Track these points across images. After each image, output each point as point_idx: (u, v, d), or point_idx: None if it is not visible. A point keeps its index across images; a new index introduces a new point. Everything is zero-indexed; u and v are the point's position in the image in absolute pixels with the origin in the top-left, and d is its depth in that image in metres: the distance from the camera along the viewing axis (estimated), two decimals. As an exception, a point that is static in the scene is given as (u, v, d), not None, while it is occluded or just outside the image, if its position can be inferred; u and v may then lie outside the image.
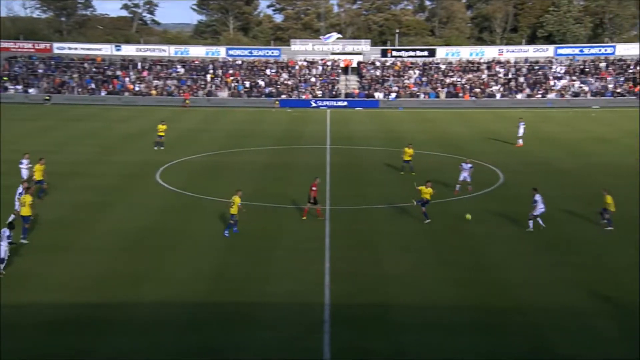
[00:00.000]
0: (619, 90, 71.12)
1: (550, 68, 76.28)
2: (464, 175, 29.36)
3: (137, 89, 73.36)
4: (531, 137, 43.78)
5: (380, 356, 14.65)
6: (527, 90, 72.79)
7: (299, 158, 38.83)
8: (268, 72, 77.38)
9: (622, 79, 73.22)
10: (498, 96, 72.34)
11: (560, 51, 79.51)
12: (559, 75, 75.04)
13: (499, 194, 29.45)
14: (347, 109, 67.84)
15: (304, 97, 72.11)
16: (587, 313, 16.64)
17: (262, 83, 74.95)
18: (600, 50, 79.71)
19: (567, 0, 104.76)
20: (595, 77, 73.85)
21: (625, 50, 78.56)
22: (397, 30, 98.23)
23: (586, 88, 72.09)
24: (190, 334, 15.47)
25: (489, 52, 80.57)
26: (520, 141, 42.45)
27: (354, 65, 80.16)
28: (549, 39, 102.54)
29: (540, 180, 30.56)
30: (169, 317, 16.40)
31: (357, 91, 74.14)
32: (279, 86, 74.14)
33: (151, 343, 15.09)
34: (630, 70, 74.44)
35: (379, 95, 72.58)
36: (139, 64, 78.12)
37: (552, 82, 73.68)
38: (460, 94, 72.54)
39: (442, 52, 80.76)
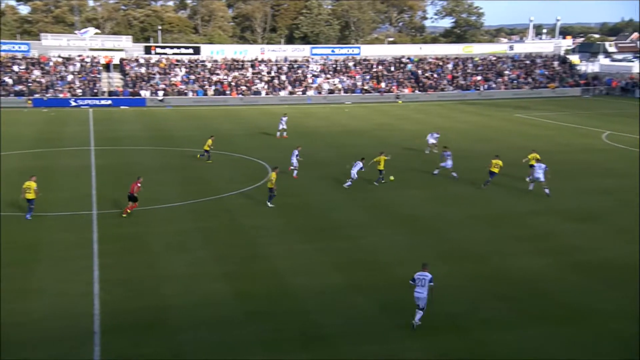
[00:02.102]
0: (366, 88, 78.73)
1: (308, 67, 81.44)
2: (293, 160, 32.34)
3: None
4: (294, 131, 46.41)
5: None
6: (289, 88, 76.79)
7: (59, 161, 36.02)
8: (16, 68, 70.03)
9: (368, 77, 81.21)
10: (263, 93, 75.12)
11: (315, 51, 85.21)
12: (316, 73, 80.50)
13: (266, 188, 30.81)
14: (112, 108, 64.56)
15: (61, 95, 66.76)
16: (347, 292, 18.24)
17: (9, 81, 67.56)
18: (348, 50, 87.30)
19: (317, 3, 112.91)
20: (346, 76, 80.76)
21: (368, 51, 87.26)
22: (160, 27, 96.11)
23: (339, 85, 78.50)
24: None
25: (252, 51, 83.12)
26: (283, 134, 44.97)
27: (116, 62, 76.50)
28: (305, 40, 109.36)
29: (303, 172, 32.73)
30: None
31: (121, 89, 70.90)
32: (30, 84, 67.55)
33: None
34: (374, 70, 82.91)
35: (145, 93, 70.34)
36: None
37: (310, 80, 78.76)
38: (228, 92, 73.78)
39: (207, 50, 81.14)
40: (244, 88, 74.89)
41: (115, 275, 19.06)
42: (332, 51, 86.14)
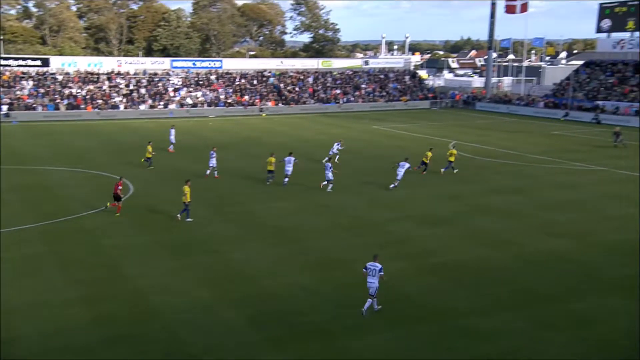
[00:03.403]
0: (229, 101, 78.49)
1: (169, 80, 79.56)
2: (211, 162, 34.49)
3: None
4: (159, 146, 45.03)
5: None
6: (150, 102, 74.44)
7: None
8: None
9: (231, 90, 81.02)
10: (122, 107, 72.15)
11: (175, 64, 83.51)
12: (177, 86, 78.86)
13: (130, 205, 29.61)
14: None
15: None
16: (215, 308, 17.98)
17: None
18: (210, 64, 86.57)
19: (175, 15, 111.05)
20: (209, 89, 79.95)
21: (230, 64, 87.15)
22: (1, 37, 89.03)
23: (202, 99, 77.50)
24: None
25: (108, 63, 79.63)
26: (172, 147, 44.40)
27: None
28: (164, 52, 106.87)
29: (168, 189, 31.91)
30: None
31: (-43, 104, 64.58)
32: None
33: None
34: (237, 83, 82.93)
35: (-15, 108, 64.66)
36: None
37: (171, 93, 76.97)
38: (82, 106, 69.93)
39: (57, 62, 76.42)
40: (100, 102, 71.43)
41: (-44, 308, 17.29)
42: (194, 64, 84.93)
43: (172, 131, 45.44)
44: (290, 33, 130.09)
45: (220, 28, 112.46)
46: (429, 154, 37.44)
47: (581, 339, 16.25)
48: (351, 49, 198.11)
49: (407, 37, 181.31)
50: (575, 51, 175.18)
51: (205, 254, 22.62)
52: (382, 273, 17.13)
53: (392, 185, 33.31)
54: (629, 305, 18.22)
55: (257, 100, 79.60)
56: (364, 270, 17.45)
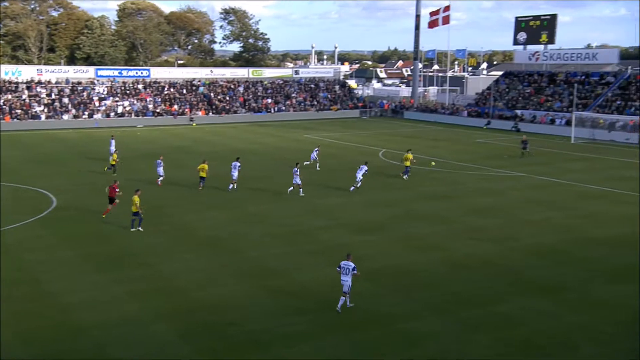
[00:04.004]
0: (158, 110, 76.96)
1: (94, 89, 77.16)
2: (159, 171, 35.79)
3: None
4: (80, 156, 43.63)
5: None
6: (73, 111, 71.95)
7: None
8: None
9: (159, 99, 79.50)
10: (43, 117, 69.36)
11: (100, 72, 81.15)
12: (103, 96, 76.61)
13: (54, 218, 28.53)
14: None
15: None
16: (145, 322, 17.55)
17: None
18: (137, 72, 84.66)
19: (98, 23, 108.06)
20: (136, 98, 78.11)
21: (158, 73, 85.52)
22: None
23: (129, 108, 75.61)
24: None
25: (27, 72, 76.42)
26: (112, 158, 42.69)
27: None
28: (88, 60, 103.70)
29: (92, 200, 30.95)
30: None
31: None
32: None
33: None
34: (166, 92, 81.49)
35: None
36: None
37: (97, 103, 74.66)
38: (0, 116, 66.80)
39: (-30, 70, 72.69)
40: (19, 112, 68.42)
41: None
42: (120, 73, 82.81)
43: (113, 142, 43.98)
44: (220, 42, 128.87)
45: (146, 36, 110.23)
46: (409, 156, 39.43)
47: (505, 339, 16.93)
48: (281, 59, 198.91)
49: (336, 48, 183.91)
50: (495, 62, 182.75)
51: (135, 267, 22.07)
52: (355, 271, 18.08)
53: (352, 188, 34.90)
54: (550, 306, 19.14)
55: (187, 110, 78.46)
56: (337, 269, 18.39)
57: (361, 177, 35.33)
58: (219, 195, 33.66)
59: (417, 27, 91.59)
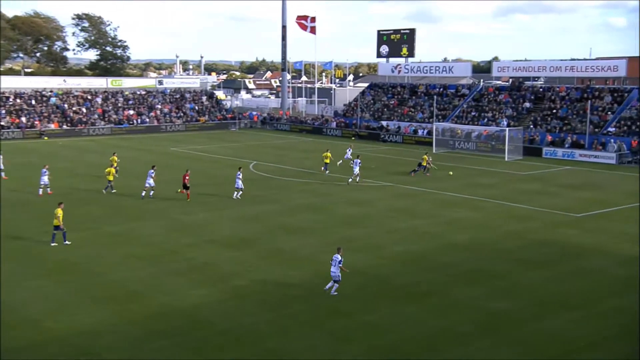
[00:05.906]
0: (2, 123, 70.37)
1: None
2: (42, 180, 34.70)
3: None
4: None
5: None
6: None
7: None
8: None
9: (3, 111, 72.77)
10: None
11: None
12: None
13: None
14: None
15: None
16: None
17: None
18: (-22, 81, 77.13)
19: None
20: (-20, 109, 71.10)
21: (2, 82, 77.85)
22: None
23: (-28, 120, 68.60)
24: None
25: None
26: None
27: None
28: None
29: None
30: None
31: None
32: None
33: None
34: (11, 103, 74.90)
35: None
36: None
37: None
38: None
39: None
40: None
41: None
42: (-44, 81, 74.94)
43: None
44: (73, 49, 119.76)
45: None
46: (425, 157, 46.08)
47: (376, 348, 16.97)
48: (144, 68, 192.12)
49: (202, 57, 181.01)
50: (361, 74, 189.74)
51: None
52: (341, 265, 20.30)
53: (349, 180, 41.07)
54: (416, 312, 19.56)
55: (36, 122, 72.60)
56: (331, 261, 20.61)
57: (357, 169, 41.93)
58: (74, 216, 31.10)
59: (283, 38, 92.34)
